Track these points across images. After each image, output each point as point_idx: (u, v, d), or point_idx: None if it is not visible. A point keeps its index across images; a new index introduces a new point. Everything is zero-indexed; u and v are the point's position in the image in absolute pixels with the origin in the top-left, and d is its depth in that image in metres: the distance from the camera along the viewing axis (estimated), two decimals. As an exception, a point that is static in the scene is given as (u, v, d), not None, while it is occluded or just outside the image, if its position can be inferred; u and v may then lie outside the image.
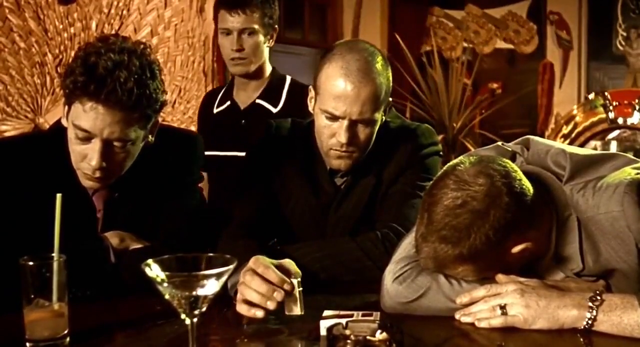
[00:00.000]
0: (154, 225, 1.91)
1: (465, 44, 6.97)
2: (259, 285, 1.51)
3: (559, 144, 1.63)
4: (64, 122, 1.81)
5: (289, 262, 1.63)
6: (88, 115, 1.69)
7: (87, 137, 1.73)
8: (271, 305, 1.49)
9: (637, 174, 1.44)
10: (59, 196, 1.46)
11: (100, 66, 1.67)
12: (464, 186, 1.42)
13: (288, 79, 2.92)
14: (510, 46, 6.87)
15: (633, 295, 1.38)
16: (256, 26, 2.71)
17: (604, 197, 1.43)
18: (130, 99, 1.68)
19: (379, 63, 1.86)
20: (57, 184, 1.66)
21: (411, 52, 5.91)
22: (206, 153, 2.20)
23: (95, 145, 1.73)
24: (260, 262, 1.56)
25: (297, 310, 1.52)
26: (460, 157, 1.54)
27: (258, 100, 2.83)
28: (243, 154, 2.56)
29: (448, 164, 1.53)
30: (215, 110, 2.91)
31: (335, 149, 1.89)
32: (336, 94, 1.82)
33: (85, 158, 1.75)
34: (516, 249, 1.46)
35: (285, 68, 2.96)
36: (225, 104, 2.89)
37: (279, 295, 1.49)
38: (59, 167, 1.83)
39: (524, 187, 1.45)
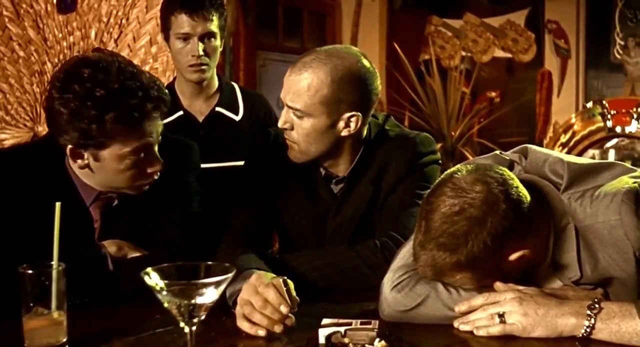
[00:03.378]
0: (152, 234, 1.91)
1: (463, 53, 6.99)
2: (262, 306, 1.51)
3: (557, 152, 1.64)
4: (85, 162, 1.78)
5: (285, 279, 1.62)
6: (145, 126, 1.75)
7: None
8: (277, 329, 1.49)
9: (635, 182, 1.44)
10: (57, 204, 1.47)
11: (132, 86, 1.70)
12: (461, 193, 1.43)
13: (235, 85, 2.81)
14: (509, 55, 6.88)
15: (631, 303, 1.38)
16: (216, 30, 2.54)
17: (602, 206, 1.44)
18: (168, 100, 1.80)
19: (340, 66, 1.85)
20: (55, 195, 1.67)
21: (410, 61, 5.92)
22: None
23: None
24: (261, 280, 1.57)
25: (283, 308, 1.51)
26: (458, 166, 1.54)
27: (218, 109, 2.67)
28: (205, 165, 2.50)
29: (445, 172, 1.53)
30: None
31: None
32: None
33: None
34: (514, 256, 1.46)
35: (283, 77, 2.90)
36: (175, 114, 2.62)
37: (278, 328, 1.49)
38: (56, 177, 1.83)
39: (521, 194, 1.45)
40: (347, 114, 1.88)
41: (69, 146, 1.74)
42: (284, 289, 1.55)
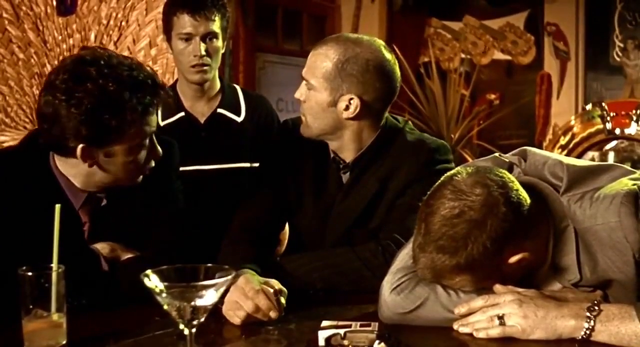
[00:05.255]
0: (142, 233, 1.90)
1: (463, 55, 6.98)
2: (254, 311, 1.59)
3: (556, 155, 1.64)
4: (94, 161, 1.77)
5: (275, 282, 1.69)
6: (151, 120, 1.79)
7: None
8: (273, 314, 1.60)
9: (634, 185, 1.44)
10: (57, 206, 1.47)
11: (140, 77, 1.75)
12: (461, 196, 1.43)
13: (237, 86, 2.81)
14: (508, 57, 6.88)
15: (630, 305, 1.38)
16: (218, 31, 2.54)
17: (601, 208, 1.44)
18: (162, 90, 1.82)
19: (351, 50, 1.93)
20: (42, 199, 1.71)
21: (409, 63, 5.92)
22: None
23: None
24: (251, 285, 1.63)
25: (272, 314, 1.60)
26: (458, 168, 1.54)
27: (220, 110, 2.64)
28: (206, 167, 2.53)
29: (445, 174, 1.54)
30: (162, 123, 2.54)
31: None
32: None
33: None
34: (513, 259, 1.46)
35: (283, 79, 2.90)
36: (177, 115, 2.61)
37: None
38: (42, 181, 1.83)
39: (520, 197, 1.46)
40: (347, 96, 1.93)
41: (80, 146, 1.73)
42: (274, 297, 1.62)
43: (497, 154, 1.71)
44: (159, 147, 1.87)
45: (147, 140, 1.81)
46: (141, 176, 1.89)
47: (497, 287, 1.51)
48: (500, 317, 1.43)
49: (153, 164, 1.88)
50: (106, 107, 1.69)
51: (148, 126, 1.78)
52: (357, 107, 1.93)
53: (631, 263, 1.43)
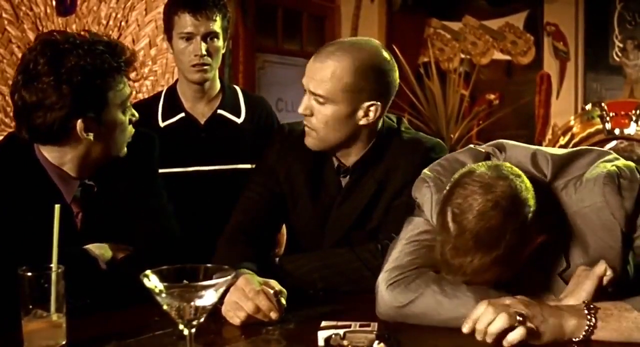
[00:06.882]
0: (131, 226, 1.91)
1: (462, 55, 6.98)
2: (254, 312, 1.59)
3: (533, 146, 1.68)
4: (94, 132, 1.81)
5: (274, 283, 1.68)
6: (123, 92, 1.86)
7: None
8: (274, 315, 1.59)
9: (612, 166, 1.53)
10: (57, 206, 1.47)
11: (107, 40, 1.84)
12: (491, 189, 1.43)
13: (237, 88, 2.80)
14: (508, 57, 6.88)
15: (622, 302, 1.43)
16: (219, 30, 2.53)
17: (586, 191, 1.52)
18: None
19: (362, 56, 1.90)
20: (35, 194, 1.75)
21: (409, 64, 5.92)
22: (162, 170, 2.14)
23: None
24: (251, 286, 1.62)
25: (273, 315, 1.59)
26: (468, 167, 1.53)
27: (220, 111, 2.63)
28: (206, 168, 2.54)
29: (459, 173, 1.52)
30: (162, 124, 2.60)
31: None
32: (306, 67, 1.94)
33: None
34: (538, 240, 1.48)
35: (283, 79, 2.88)
36: (177, 116, 2.61)
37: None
38: (33, 177, 1.83)
39: (529, 184, 1.48)
40: (367, 103, 1.92)
41: (80, 121, 1.76)
42: (274, 297, 1.62)
43: (472, 146, 1.76)
44: (133, 110, 1.92)
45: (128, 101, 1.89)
46: (125, 148, 1.92)
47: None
48: (522, 316, 1.40)
49: (133, 130, 1.92)
50: (94, 73, 1.75)
51: (127, 86, 1.86)
52: (376, 112, 1.93)
53: (619, 237, 1.51)
